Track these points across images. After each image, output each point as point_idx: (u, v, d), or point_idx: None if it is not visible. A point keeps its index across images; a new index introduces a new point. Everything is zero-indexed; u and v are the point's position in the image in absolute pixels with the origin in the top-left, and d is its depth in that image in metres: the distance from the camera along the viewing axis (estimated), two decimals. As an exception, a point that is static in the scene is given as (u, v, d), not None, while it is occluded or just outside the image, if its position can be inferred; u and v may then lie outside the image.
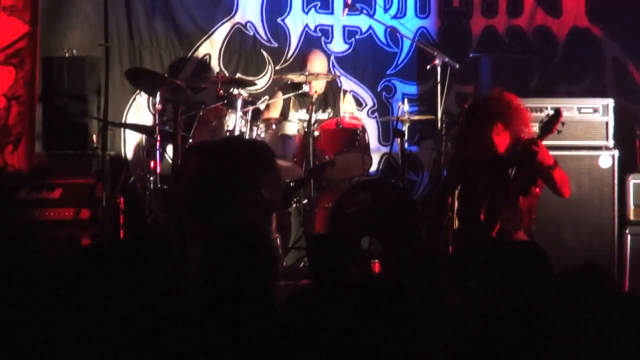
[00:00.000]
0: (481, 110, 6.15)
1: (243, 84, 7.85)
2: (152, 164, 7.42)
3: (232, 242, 3.77)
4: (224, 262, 3.70)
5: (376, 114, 8.57)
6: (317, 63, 7.85)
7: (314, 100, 7.52)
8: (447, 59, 7.54)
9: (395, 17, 8.49)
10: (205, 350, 3.42)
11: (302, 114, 7.77)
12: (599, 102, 7.53)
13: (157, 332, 3.44)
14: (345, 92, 8.17)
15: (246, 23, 8.56)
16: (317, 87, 7.69)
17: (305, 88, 7.59)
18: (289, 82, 7.92)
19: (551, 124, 6.03)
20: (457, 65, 7.63)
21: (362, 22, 8.60)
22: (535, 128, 6.28)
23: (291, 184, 7.37)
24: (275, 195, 6.57)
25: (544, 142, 6.05)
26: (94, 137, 7.95)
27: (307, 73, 7.57)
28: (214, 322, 3.47)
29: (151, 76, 7.61)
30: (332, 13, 8.60)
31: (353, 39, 8.63)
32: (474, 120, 6.14)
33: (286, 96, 7.86)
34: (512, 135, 6.11)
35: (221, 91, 7.58)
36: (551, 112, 6.21)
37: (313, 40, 8.57)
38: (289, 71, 8.30)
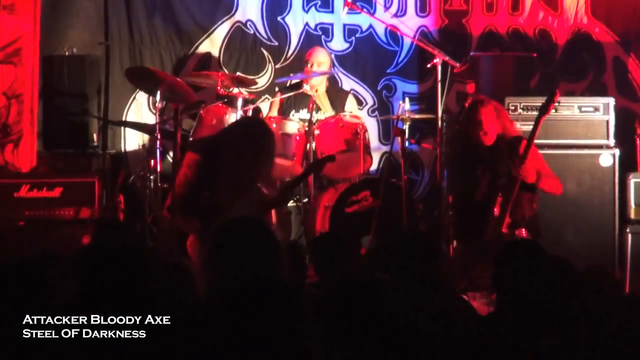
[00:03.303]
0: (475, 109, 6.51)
1: (244, 83, 7.84)
2: (152, 162, 7.41)
3: (234, 236, 3.76)
4: (228, 256, 3.70)
5: (376, 112, 8.56)
6: (320, 56, 7.83)
7: (314, 98, 7.52)
8: (447, 58, 7.53)
9: (395, 15, 8.49)
10: (220, 348, 3.40)
11: (303, 113, 7.77)
12: (599, 101, 7.52)
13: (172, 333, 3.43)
14: (347, 93, 8.17)
15: (246, 21, 8.55)
16: (316, 85, 7.68)
17: (306, 87, 7.59)
18: (287, 85, 7.93)
19: (548, 104, 6.38)
20: (458, 64, 7.62)
21: (362, 20, 8.59)
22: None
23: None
24: (267, 175, 6.53)
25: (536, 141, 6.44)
26: (94, 135, 7.95)
27: (309, 66, 7.57)
28: (227, 319, 3.46)
29: (151, 75, 7.61)
30: (332, 12, 8.59)
31: (353, 38, 8.62)
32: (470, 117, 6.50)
33: (285, 95, 7.86)
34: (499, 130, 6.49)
35: (221, 90, 7.58)
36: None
37: (313, 39, 8.56)
38: (289, 70, 8.31)
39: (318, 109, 7.70)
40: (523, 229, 6.34)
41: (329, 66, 8.01)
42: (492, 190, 6.36)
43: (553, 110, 7.41)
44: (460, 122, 6.68)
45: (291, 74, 8.13)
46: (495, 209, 6.30)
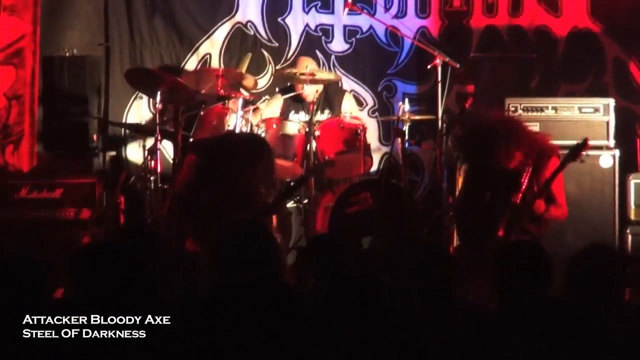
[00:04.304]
0: (498, 138, 6.19)
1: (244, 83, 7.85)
2: (152, 163, 7.41)
3: (236, 237, 3.77)
4: (230, 258, 3.70)
5: (377, 113, 8.56)
6: (304, 67, 7.79)
7: (314, 100, 7.53)
8: (447, 59, 7.53)
9: (395, 16, 8.49)
10: (219, 349, 3.41)
11: (302, 115, 7.77)
12: (599, 102, 7.53)
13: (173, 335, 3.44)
14: (344, 91, 8.18)
15: (247, 23, 8.55)
16: (312, 90, 7.66)
17: (306, 89, 7.59)
18: (287, 85, 7.94)
19: (577, 152, 6.14)
20: (458, 65, 7.62)
21: (362, 21, 8.59)
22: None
23: (291, 183, 7.37)
24: (266, 186, 6.57)
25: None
26: (94, 137, 7.95)
27: (307, 72, 7.57)
28: (231, 319, 3.46)
29: (151, 76, 7.61)
30: (332, 12, 8.59)
31: (354, 39, 8.62)
32: (490, 146, 6.20)
33: (286, 96, 7.86)
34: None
35: (222, 91, 7.58)
36: (580, 141, 6.27)
37: (313, 40, 8.57)
38: (289, 73, 8.30)
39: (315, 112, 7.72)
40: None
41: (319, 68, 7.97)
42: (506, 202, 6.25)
43: (553, 111, 7.45)
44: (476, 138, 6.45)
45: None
46: (500, 231, 6.19)
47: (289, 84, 8.00)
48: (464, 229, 6.53)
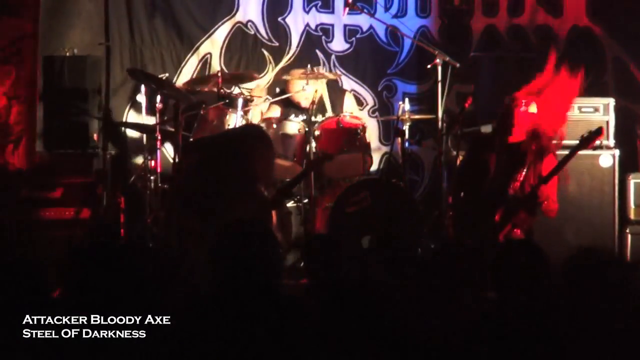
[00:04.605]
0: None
1: (244, 79, 7.86)
2: (152, 163, 7.42)
3: (236, 237, 3.78)
4: (230, 258, 3.71)
5: (377, 113, 8.57)
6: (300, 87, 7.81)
7: (314, 99, 7.54)
8: (447, 58, 7.53)
9: (395, 16, 8.49)
10: (218, 349, 3.42)
11: (303, 118, 7.78)
12: (599, 102, 7.54)
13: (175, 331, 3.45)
14: (345, 91, 8.19)
15: (247, 22, 8.56)
16: (310, 94, 7.67)
17: (307, 89, 7.61)
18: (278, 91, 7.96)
19: (590, 140, 6.20)
20: (458, 65, 7.62)
21: (362, 21, 8.60)
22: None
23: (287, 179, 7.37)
24: (266, 182, 6.57)
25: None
26: (95, 136, 7.96)
27: (308, 71, 7.59)
28: (228, 318, 3.47)
29: (150, 79, 7.63)
30: (332, 12, 8.60)
31: (354, 38, 8.63)
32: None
33: (277, 99, 7.88)
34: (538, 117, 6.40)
35: (222, 90, 7.59)
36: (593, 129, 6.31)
37: (314, 40, 8.58)
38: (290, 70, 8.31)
39: (323, 111, 7.74)
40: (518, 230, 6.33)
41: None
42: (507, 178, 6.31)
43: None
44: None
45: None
46: (497, 216, 6.23)
47: (277, 90, 8.02)
48: (461, 206, 6.55)
